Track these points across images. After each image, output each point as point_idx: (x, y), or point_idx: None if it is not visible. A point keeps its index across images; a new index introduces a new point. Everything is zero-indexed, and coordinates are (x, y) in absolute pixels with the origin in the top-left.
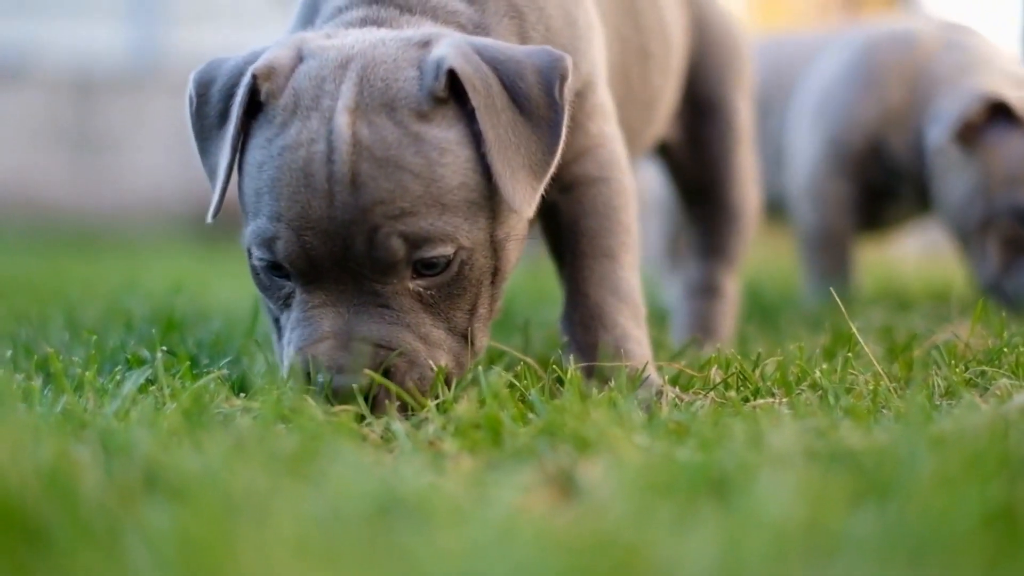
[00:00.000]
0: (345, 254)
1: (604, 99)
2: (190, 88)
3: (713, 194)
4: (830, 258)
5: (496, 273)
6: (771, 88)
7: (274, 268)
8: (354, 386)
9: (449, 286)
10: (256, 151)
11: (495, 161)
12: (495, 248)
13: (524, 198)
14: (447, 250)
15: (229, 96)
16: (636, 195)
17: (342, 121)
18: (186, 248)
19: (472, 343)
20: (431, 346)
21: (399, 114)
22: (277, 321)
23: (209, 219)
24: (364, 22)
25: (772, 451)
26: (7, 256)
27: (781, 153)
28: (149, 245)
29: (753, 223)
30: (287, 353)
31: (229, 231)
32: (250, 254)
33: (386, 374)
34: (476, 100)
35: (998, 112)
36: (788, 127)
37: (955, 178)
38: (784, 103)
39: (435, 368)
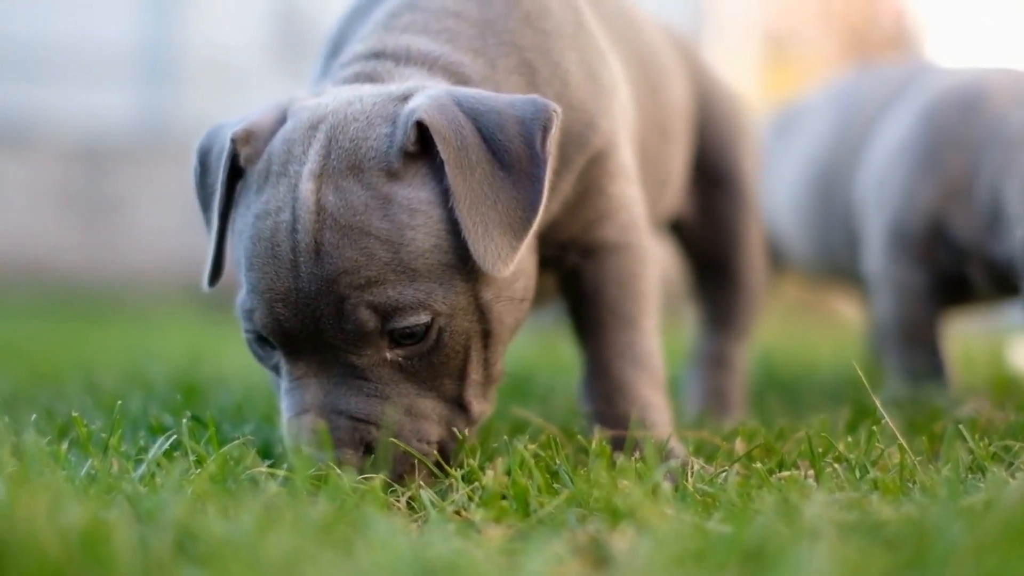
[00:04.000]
0: (317, 326)
1: (625, 160)
2: (194, 158)
3: (723, 266)
4: (914, 353)
5: (488, 336)
6: (842, 149)
7: (260, 338)
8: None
9: (430, 354)
10: (239, 219)
11: (464, 218)
12: (482, 310)
13: (498, 257)
14: (421, 318)
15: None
16: (656, 260)
17: (306, 188)
18: (197, 314)
19: (467, 410)
20: (416, 418)
21: (367, 175)
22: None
23: (204, 287)
24: (357, 77)
25: (804, 523)
26: (20, 321)
27: (848, 227)
28: (160, 311)
29: (763, 293)
30: (282, 421)
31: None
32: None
33: (368, 448)
34: (445, 153)
35: None
36: (856, 201)
37: None
38: (856, 167)
39: (424, 441)
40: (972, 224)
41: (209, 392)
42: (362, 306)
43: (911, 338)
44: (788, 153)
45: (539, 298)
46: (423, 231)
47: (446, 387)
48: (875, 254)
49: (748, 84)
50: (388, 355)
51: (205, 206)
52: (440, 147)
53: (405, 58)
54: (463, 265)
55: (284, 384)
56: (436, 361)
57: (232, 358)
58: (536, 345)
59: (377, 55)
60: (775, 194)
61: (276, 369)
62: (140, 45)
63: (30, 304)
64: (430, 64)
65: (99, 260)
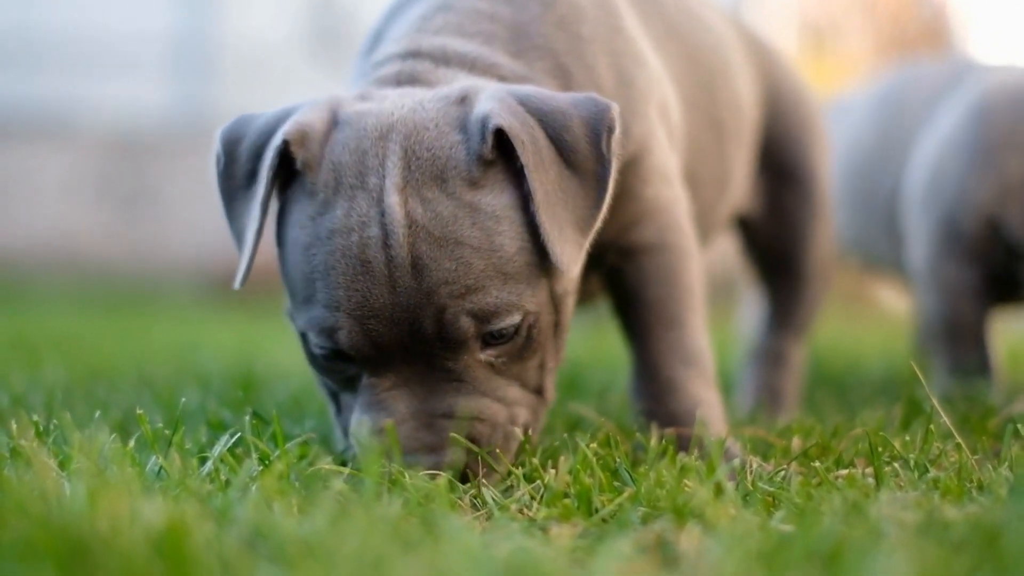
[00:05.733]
0: (413, 337)
1: (661, 162)
2: (217, 146)
3: (788, 264)
4: (960, 350)
5: (558, 326)
6: (886, 145)
7: (337, 355)
8: (446, 464)
9: (520, 350)
10: (298, 228)
11: (543, 220)
12: (556, 304)
13: (571, 256)
14: (515, 319)
15: (257, 156)
16: (699, 258)
17: (393, 201)
18: (234, 305)
19: (544, 395)
20: (510, 404)
21: (450, 185)
22: (335, 395)
23: (236, 286)
24: (399, 77)
25: (871, 524)
26: (63, 313)
27: (894, 219)
28: (198, 302)
29: (826, 292)
30: (360, 433)
31: (272, 290)
32: (305, 339)
33: (471, 442)
34: (525, 157)
35: None
36: (903, 198)
37: None
38: (900, 163)
39: (516, 425)
40: None
41: (264, 386)
42: (462, 314)
43: (958, 335)
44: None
45: (586, 298)
46: (509, 235)
47: (530, 377)
48: (922, 251)
49: None
50: (481, 356)
51: (229, 198)
52: (520, 151)
53: (443, 59)
54: (543, 263)
55: (366, 397)
56: (524, 355)
57: (280, 351)
58: (589, 340)
59: (414, 55)
60: None
61: (350, 382)
62: (177, 37)
63: (68, 294)
64: (469, 65)
65: (135, 251)
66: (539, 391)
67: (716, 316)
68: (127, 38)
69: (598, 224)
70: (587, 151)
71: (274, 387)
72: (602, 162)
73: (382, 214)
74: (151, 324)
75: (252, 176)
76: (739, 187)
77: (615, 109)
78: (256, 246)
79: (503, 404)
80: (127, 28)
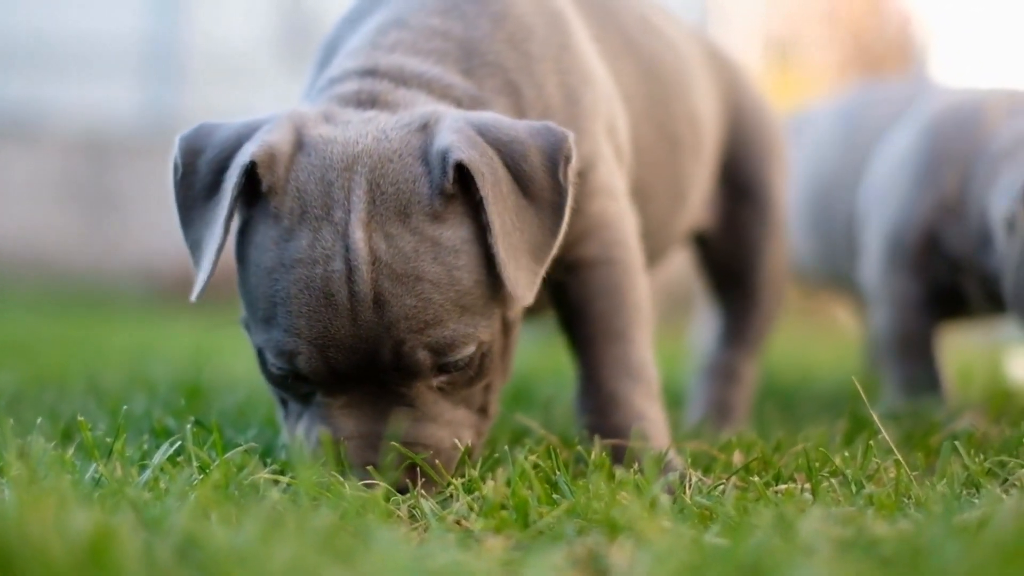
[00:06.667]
0: (370, 365)
1: (606, 178)
2: (176, 154)
3: (743, 281)
4: (910, 364)
5: (507, 348)
6: (846, 164)
7: (295, 375)
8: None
9: (471, 378)
10: (260, 251)
11: (500, 250)
12: (507, 329)
13: (526, 285)
14: (470, 350)
15: (219, 170)
16: (644, 272)
17: (358, 237)
18: (197, 310)
19: (487, 413)
20: (455, 427)
21: (413, 220)
22: (284, 400)
23: (193, 298)
24: (359, 96)
25: (800, 539)
26: (22, 317)
27: (854, 237)
28: (161, 307)
29: (780, 311)
30: (305, 444)
31: (231, 297)
32: (263, 357)
33: (412, 464)
34: (484, 190)
35: None
36: (858, 214)
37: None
38: (859, 181)
39: (459, 447)
40: (964, 237)
41: (212, 394)
42: (420, 347)
43: (907, 349)
44: (793, 162)
45: (534, 312)
46: (467, 269)
47: (476, 398)
48: (872, 265)
49: None
50: (434, 383)
51: (186, 208)
52: (480, 184)
53: (400, 79)
54: (497, 294)
55: (317, 412)
56: (474, 380)
57: (234, 358)
58: (537, 353)
59: (371, 73)
60: None
61: (305, 398)
62: (145, 40)
63: (31, 298)
64: (426, 86)
65: (100, 254)
66: (483, 410)
67: (670, 330)
68: (95, 41)
69: (553, 251)
70: (544, 181)
71: (221, 395)
72: (559, 191)
73: (347, 249)
74: (110, 329)
75: (212, 189)
76: (696, 202)
77: (572, 138)
78: (216, 262)
79: (449, 428)
80: (95, 31)
